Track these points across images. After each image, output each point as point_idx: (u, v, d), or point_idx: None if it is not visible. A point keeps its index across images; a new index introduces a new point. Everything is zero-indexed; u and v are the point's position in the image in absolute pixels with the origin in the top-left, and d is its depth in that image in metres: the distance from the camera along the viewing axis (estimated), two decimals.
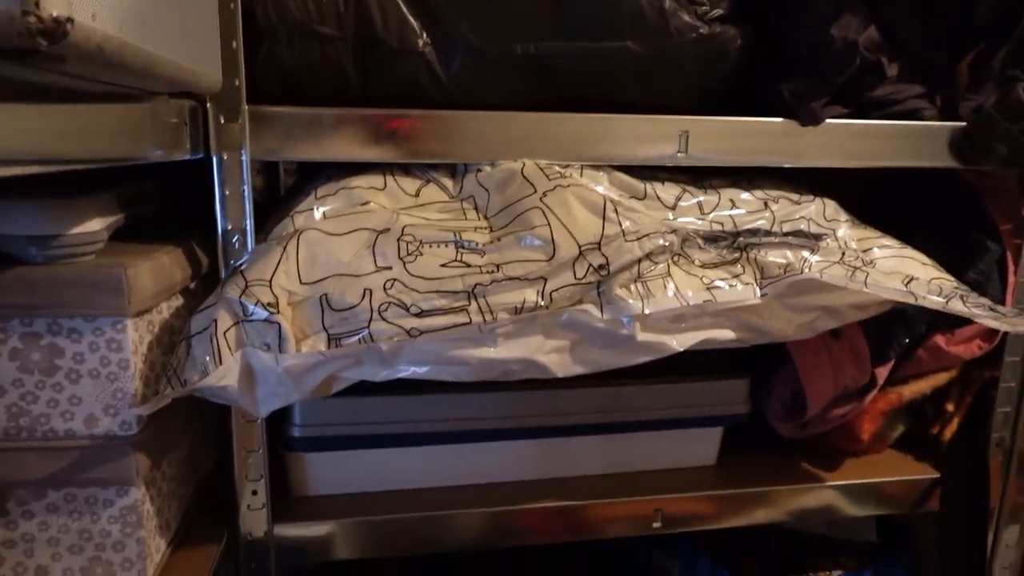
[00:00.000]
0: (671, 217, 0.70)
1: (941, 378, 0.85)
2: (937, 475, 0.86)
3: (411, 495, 0.78)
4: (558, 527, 0.79)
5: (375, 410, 0.74)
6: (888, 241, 0.74)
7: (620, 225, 0.62)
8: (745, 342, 0.69)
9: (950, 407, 0.87)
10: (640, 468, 0.84)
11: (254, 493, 0.71)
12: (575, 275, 0.61)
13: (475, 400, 0.76)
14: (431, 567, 0.93)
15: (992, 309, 0.66)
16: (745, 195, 0.74)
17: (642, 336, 0.62)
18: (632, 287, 0.61)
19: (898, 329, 0.80)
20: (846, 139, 0.73)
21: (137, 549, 0.61)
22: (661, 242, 0.62)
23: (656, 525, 0.81)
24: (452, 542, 0.76)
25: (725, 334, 0.67)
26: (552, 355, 0.62)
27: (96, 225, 0.57)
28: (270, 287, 0.58)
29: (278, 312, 0.57)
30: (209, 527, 0.72)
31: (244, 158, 0.62)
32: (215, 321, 0.57)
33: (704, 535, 0.88)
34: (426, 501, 0.77)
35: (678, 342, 0.64)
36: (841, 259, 0.68)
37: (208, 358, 0.56)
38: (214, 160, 0.62)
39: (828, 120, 0.72)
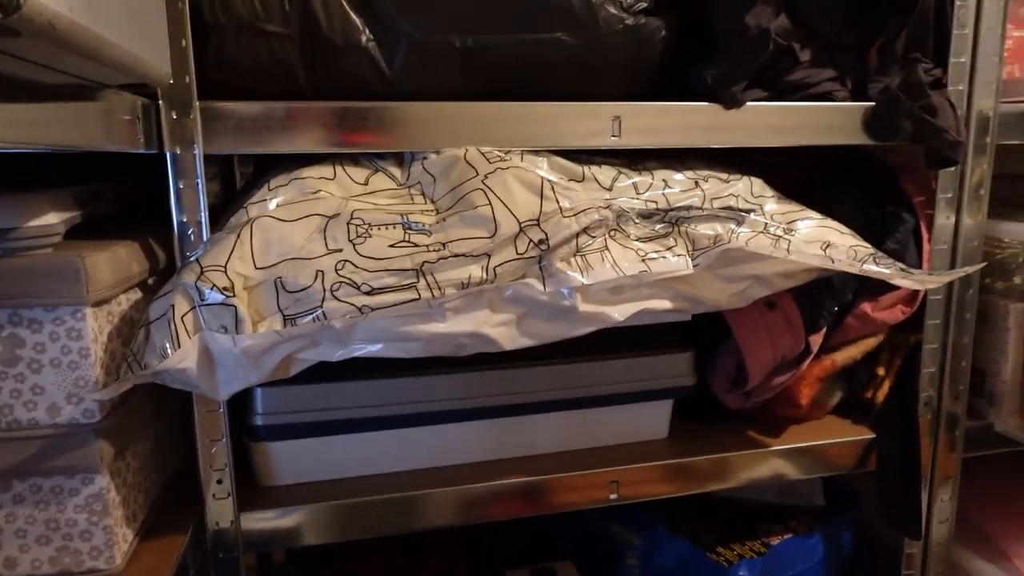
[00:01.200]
0: (608, 197, 0.74)
1: (870, 343, 0.91)
2: (873, 436, 0.91)
3: (374, 480, 0.80)
4: (520, 503, 0.82)
5: (336, 396, 0.76)
6: (811, 214, 0.79)
7: (558, 202, 0.66)
8: (682, 311, 0.73)
9: (881, 371, 0.93)
10: (596, 444, 0.88)
11: (219, 482, 0.72)
12: (517, 250, 0.64)
13: (433, 382, 0.79)
14: (398, 540, 0.95)
15: (903, 269, 0.72)
16: (678, 175, 0.79)
17: (584, 307, 0.66)
18: (572, 260, 0.65)
19: (827, 298, 0.86)
20: (767, 120, 0.79)
21: (104, 537, 0.62)
22: (596, 216, 0.66)
23: (613, 497, 0.84)
24: (417, 523, 0.79)
25: (662, 304, 0.71)
26: (499, 328, 0.65)
27: (53, 219, 0.59)
28: (225, 272, 0.60)
29: (234, 296, 0.60)
30: (177, 519, 0.73)
31: (197, 152, 0.65)
32: (172, 306, 0.59)
33: (662, 507, 0.91)
34: (389, 486, 0.79)
35: (618, 313, 0.68)
36: (765, 229, 0.73)
37: (167, 343, 0.58)
38: (168, 156, 0.65)
39: (749, 103, 0.77)
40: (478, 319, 0.64)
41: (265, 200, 0.67)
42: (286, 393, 0.75)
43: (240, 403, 0.75)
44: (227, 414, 0.71)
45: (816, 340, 0.87)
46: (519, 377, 0.82)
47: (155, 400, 0.71)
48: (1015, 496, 1.09)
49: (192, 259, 0.62)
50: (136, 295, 0.67)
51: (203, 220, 0.66)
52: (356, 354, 0.63)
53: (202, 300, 0.59)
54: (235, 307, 0.59)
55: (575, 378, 0.83)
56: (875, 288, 0.86)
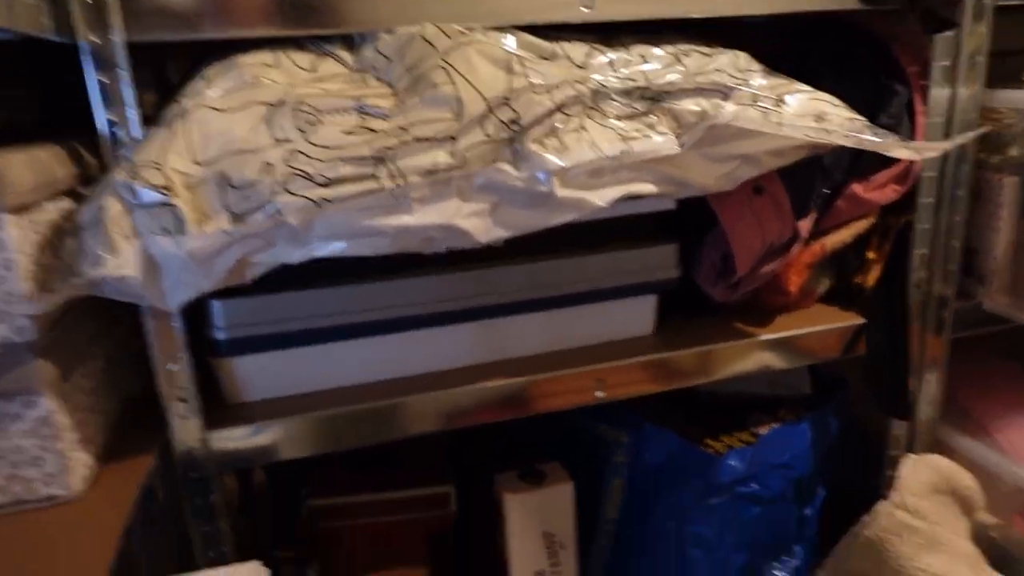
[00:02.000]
0: (582, 75, 0.68)
1: (860, 226, 0.87)
2: (863, 321, 0.89)
3: (350, 391, 0.77)
4: (503, 406, 0.79)
5: (302, 305, 0.71)
6: (801, 87, 0.74)
7: (528, 78, 0.60)
8: (667, 195, 0.69)
9: (871, 255, 0.90)
10: (580, 343, 0.84)
11: (183, 400, 0.68)
12: (485, 132, 0.58)
13: (405, 286, 0.74)
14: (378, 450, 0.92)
15: (901, 139, 0.67)
16: (657, 50, 0.72)
17: (562, 193, 0.61)
18: (547, 141, 0.60)
19: (817, 180, 0.81)
20: None
21: (57, 462, 0.58)
22: (572, 92, 0.60)
23: (599, 394, 0.81)
24: (397, 431, 0.76)
25: (646, 187, 0.66)
26: (472, 219, 0.60)
27: None
28: (161, 169, 0.54)
29: (174, 194, 0.54)
30: (142, 442, 0.69)
31: (116, 38, 0.57)
32: (102, 208, 0.53)
33: (648, 406, 0.89)
34: (366, 395, 0.76)
35: (599, 198, 0.63)
36: (754, 103, 0.67)
37: (101, 250, 0.53)
38: (83, 46, 0.57)
39: None
40: (448, 210, 0.58)
41: (200, 92, 0.60)
42: (248, 304, 0.70)
43: (200, 318, 0.70)
44: (183, 326, 0.66)
45: (805, 225, 0.83)
46: (496, 276, 0.77)
47: (100, 316, 0.66)
48: (999, 374, 1.09)
49: (123, 157, 0.56)
50: (66, 203, 0.61)
51: (131, 117, 0.59)
52: (317, 254, 0.58)
53: (137, 200, 0.53)
54: (176, 206, 0.53)
55: (555, 275, 0.79)
56: (866, 167, 0.82)
